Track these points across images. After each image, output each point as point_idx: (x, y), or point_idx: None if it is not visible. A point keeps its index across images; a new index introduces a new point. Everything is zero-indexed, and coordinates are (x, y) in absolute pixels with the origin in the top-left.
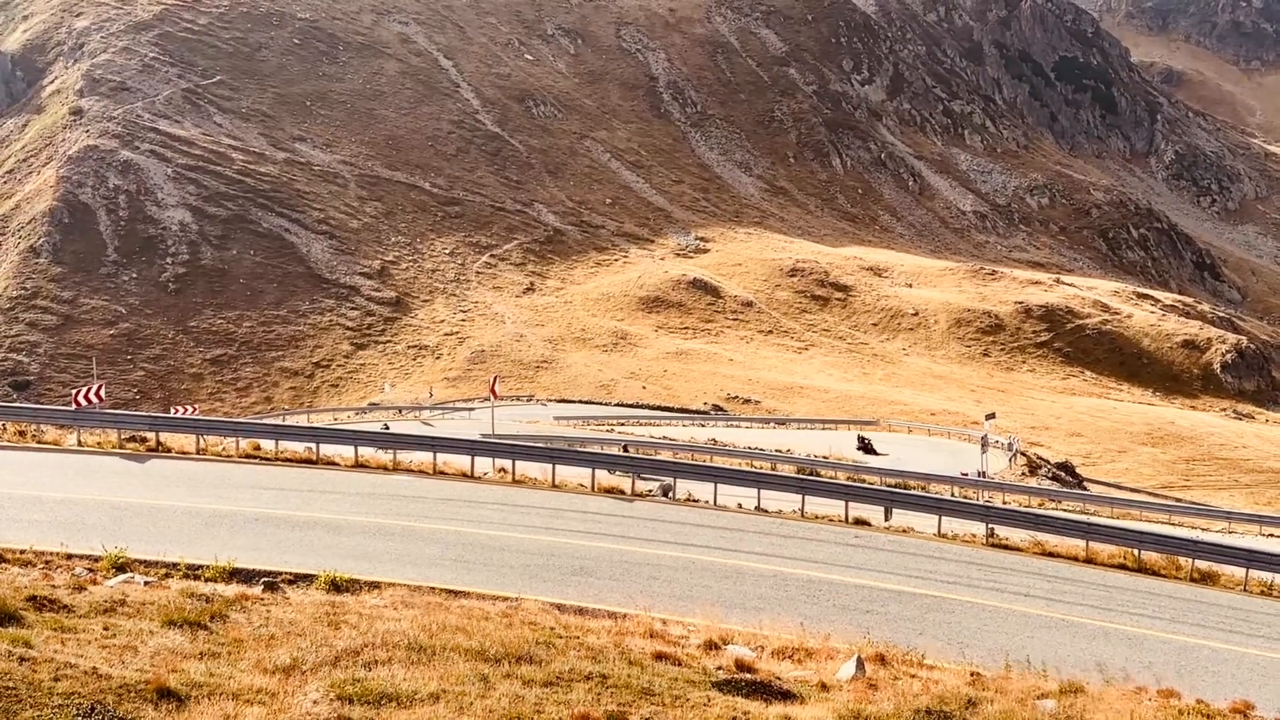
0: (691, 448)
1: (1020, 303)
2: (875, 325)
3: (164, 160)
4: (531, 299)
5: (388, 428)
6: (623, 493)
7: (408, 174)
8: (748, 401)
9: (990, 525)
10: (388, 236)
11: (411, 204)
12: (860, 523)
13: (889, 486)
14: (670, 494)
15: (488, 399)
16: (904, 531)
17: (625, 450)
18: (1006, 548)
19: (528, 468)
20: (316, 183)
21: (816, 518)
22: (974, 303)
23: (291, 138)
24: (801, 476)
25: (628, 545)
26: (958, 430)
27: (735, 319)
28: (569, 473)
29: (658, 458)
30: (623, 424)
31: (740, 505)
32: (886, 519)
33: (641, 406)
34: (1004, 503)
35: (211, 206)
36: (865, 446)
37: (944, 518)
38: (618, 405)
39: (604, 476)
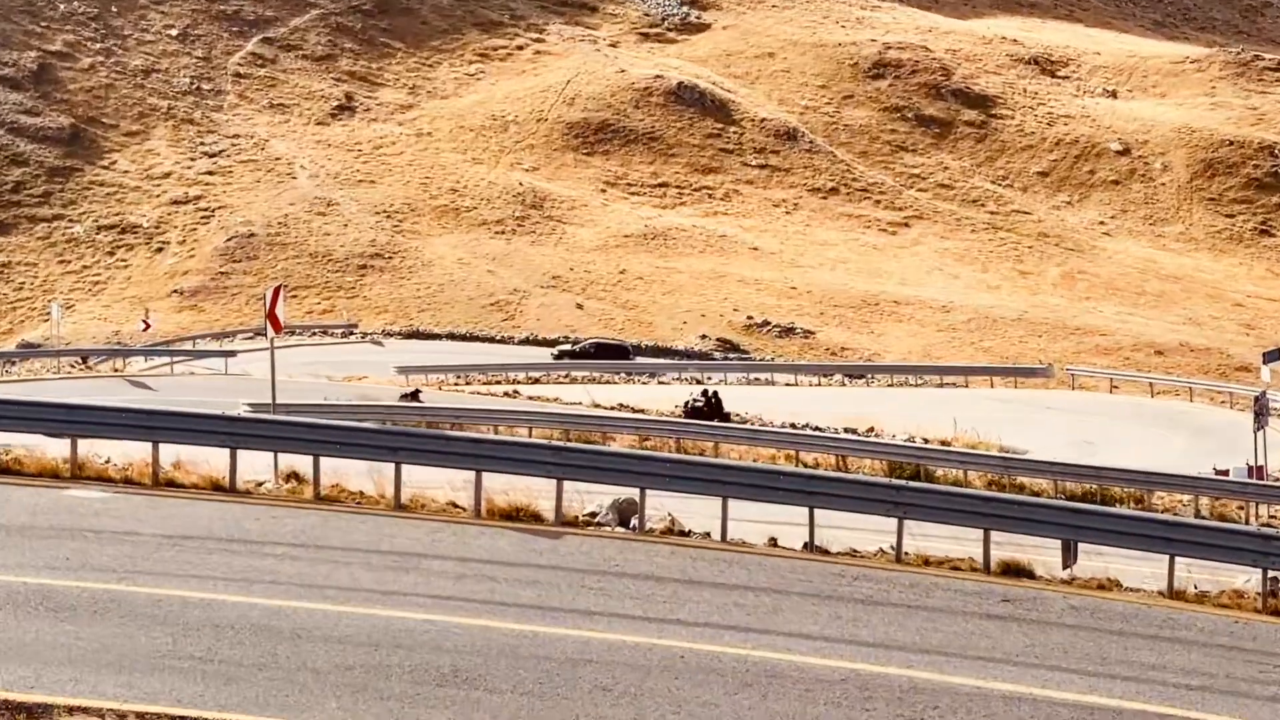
0: (676, 427)
1: None
2: (1043, 176)
3: None
4: (348, 128)
5: (418, 396)
6: (538, 519)
7: None
8: (789, 331)
9: (1272, 571)
10: (53, 2)
11: None
12: (1013, 571)
13: (1067, 501)
14: (634, 520)
15: (264, 333)
16: (1101, 587)
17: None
18: None
19: (346, 470)
20: None
21: (926, 562)
22: (1241, 128)
23: None
24: (896, 483)
25: (548, 625)
26: (1206, 385)
27: (763, 166)
28: (429, 478)
29: (608, 448)
30: (535, 380)
31: (775, 541)
32: (1066, 561)
33: (574, 348)
34: None
35: None
36: (708, 404)
37: (1177, 558)
38: (526, 343)
39: (502, 486)
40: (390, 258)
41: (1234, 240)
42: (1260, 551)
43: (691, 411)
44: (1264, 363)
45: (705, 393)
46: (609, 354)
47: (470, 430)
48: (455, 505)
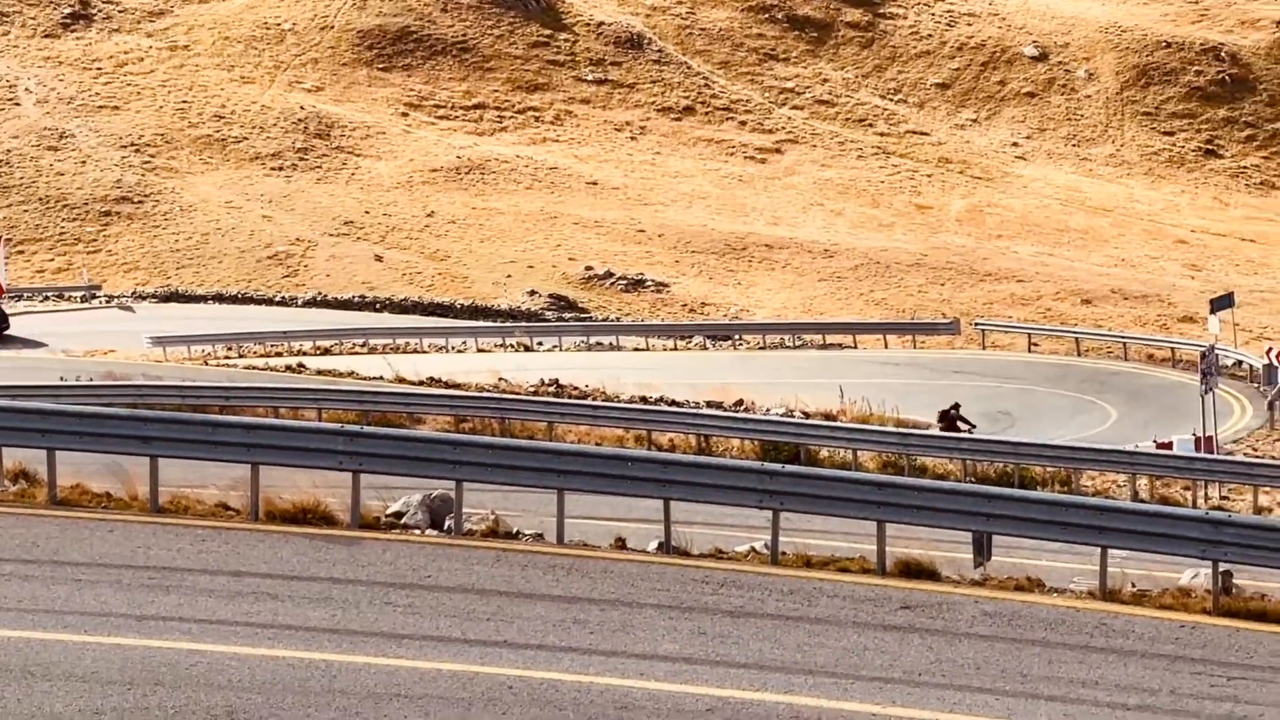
0: (500, 404)
1: None
2: (944, 89)
3: None
4: (84, 42)
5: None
6: (330, 521)
7: None
8: (637, 284)
9: (1224, 564)
10: None
11: None
12: (914, 571)
13: (978, 485)
14: (449, 520)
15: None
16: (1019, 589)
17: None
18: (1260, 617)
19: (89, 467)
20: None
21: (808, 563)
22: (1181, 26)
23: None
24: (769, 467)
25: (345, 653)
26: (1143, 340)
27: (602, 82)
28: (194, 474)
29: (416, 432)
30: (325, 350)
31: (622, 542)
32: (978, 558)
33: (373, 307)
34: (1257, 509)
35: None
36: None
37: (1111, 550)
38: (312, 304)
39: (285, 483)
40: (141, 202)
41: (1174, 163)
42: (1209, 540)
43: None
44: (1211, 311)
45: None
46: None
47: (244, 414)
48: (227, 507)
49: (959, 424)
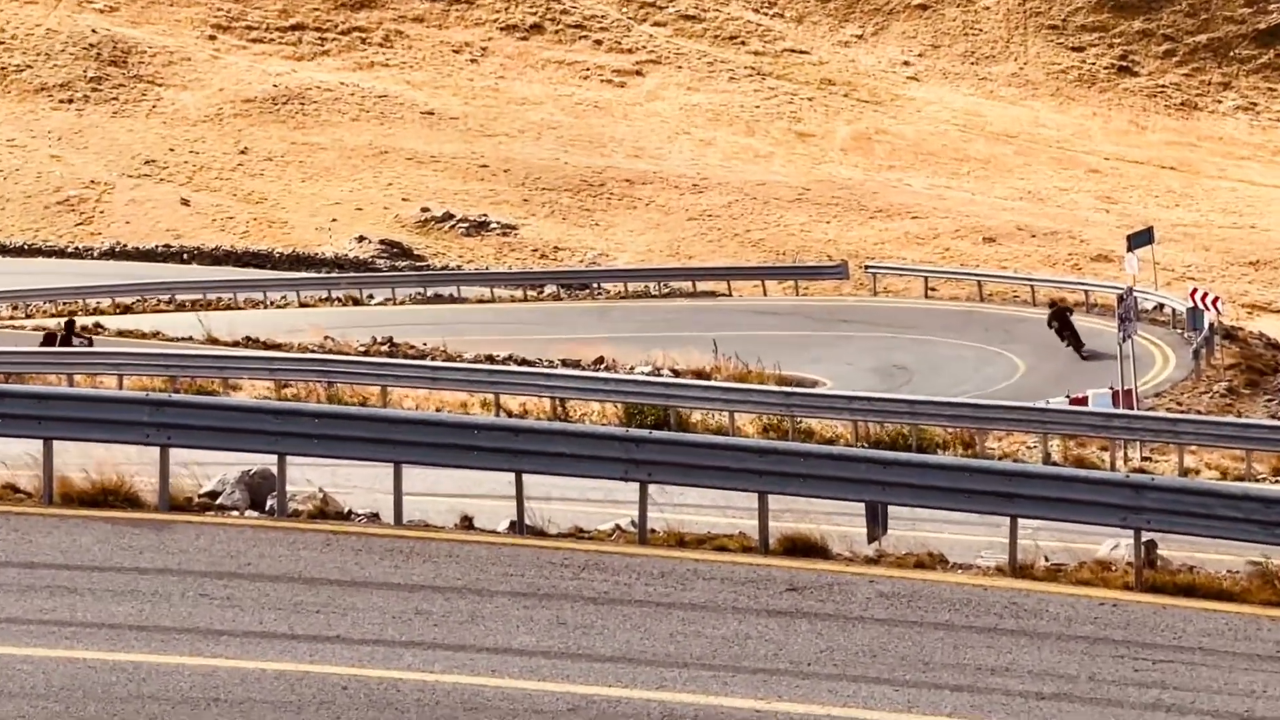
0: (327, 366)
1: None
2: (825, 3)
3: None
4: None
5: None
6: (135, 503)
7: None
8: (480, 226)
9: (1146, 531)
10: None
11: None
12: (801, 548)
13: (871, 450)
14: (272, 500)
15: None
16: (920, 566)
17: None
18: (1189, 592)
19: None
20: None
21: (681, 542)
22: None
23: None
24: (634, 434)
25: (156, 652)
26: (1053, 281)
27: None
28: None
29: (230, 400)
30: (125, 308)
31: (469, 522)
32: (873, 532)
33: (180, 257)
34: (1182, 470)
35: None
36: None
37: (1021, 520)
38: (113, 256)
39: (82, 461)
40: None
41: (1084, 83)
42: (1131, 506)
43: None
44: (1129, 249)
45: None
46: None
47: (35, 382)
48: (15, 489)
49: (1068, 315)
